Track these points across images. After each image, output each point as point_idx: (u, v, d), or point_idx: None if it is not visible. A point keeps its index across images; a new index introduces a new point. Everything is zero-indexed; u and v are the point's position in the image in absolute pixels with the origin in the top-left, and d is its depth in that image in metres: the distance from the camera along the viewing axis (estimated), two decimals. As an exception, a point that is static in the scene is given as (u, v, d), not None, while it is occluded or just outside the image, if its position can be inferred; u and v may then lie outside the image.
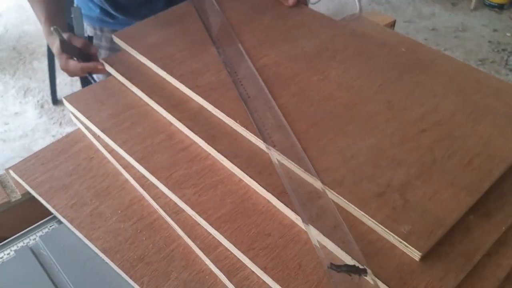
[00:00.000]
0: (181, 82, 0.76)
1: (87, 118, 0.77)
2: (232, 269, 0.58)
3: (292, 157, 0.63)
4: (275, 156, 0.65)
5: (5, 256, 0.67)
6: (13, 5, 2.93)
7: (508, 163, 0.64)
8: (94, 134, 0.77)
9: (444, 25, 2.80)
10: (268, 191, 0.62)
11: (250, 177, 0.64)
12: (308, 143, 0.66)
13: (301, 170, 0.62)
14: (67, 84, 2.30)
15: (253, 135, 0.67)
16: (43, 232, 0.70)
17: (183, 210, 0.65)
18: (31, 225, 0.71)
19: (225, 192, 0.65)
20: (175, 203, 0.66)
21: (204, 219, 0.62)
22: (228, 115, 0.70)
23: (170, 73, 0.78)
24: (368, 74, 0.78)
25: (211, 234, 0.62)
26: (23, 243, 0.68)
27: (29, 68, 2.42)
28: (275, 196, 0.62)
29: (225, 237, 0.59)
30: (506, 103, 0.73)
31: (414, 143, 0.66)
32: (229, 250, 0.60)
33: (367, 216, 0.57)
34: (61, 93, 2.23)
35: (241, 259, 0.59)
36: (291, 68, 0.79)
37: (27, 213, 0.73)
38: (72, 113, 0.81)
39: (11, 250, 0.67)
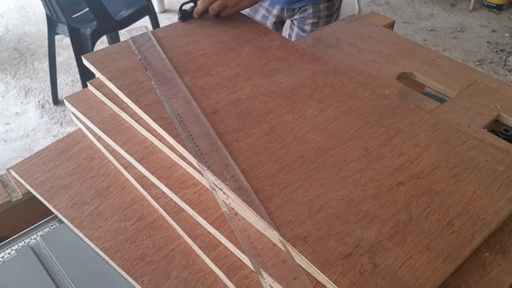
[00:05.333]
0: (145, 112, 0.72)
1: (88, 118, 0.78)
2: (232, 268, 0.59)
3: (253, 205, 0.58)
4: (234, 199, 0.60)
5: (6, 256, 0.67)
6: (14, 6, 2.94)
7: (491, 227, 0.58)
8: (95, 134, 0.77)
9: (443, 25, 2.81)
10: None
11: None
12: (274, 189, 0.61)
13: (262, 221, 0.57)
14: (68, 84, 2.31)
15: (213, 174, 0.62)
16: (44, 232, 0.70)
17: (183, 210, 0.65)
18: (32, 225, 0.71)
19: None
20: (175, 203, 0.66)
21: (204, 218, 0.62)
22: (189, 151, 0.66)
23: (136, 101, 0.74)
24: (346, 116, 0.74)
25: (211, 233, 0.62)
26: (24, 243, 0.69)
27: (30, 69, 2.42)
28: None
29: (225, 237, 0.60)
30: (493, 158, 0.68)
31: (390, 197, 0.61)
32: (229, 250, 0.60)
33: (330, 282, 0.52)
34: (62, 93, 2.24)
35: (241, 258, 0.59)
36: (265, 104, 0.75)
37: (28, 213, 0.73)
38: (73, 113, 0.82)
39: (12, 250, 0.68)
